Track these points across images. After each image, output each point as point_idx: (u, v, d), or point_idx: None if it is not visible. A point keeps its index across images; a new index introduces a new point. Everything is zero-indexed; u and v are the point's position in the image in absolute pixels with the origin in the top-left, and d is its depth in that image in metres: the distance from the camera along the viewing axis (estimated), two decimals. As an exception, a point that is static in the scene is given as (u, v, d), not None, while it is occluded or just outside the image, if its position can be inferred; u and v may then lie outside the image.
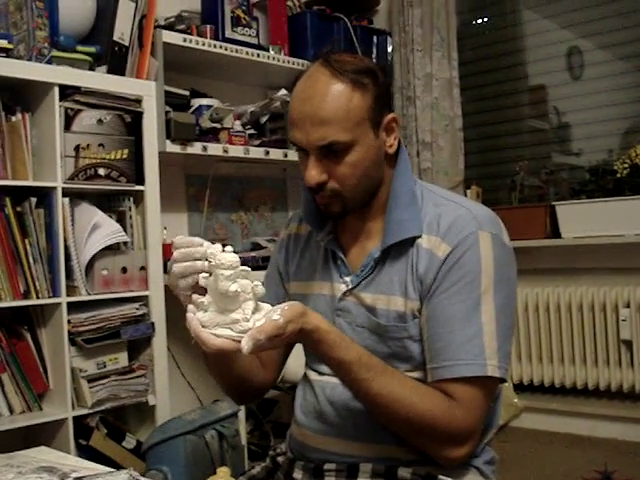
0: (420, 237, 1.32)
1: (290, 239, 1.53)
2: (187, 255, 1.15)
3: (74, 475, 1.31)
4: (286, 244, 1.53)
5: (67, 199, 2.62)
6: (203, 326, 1.09)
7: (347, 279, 1.39)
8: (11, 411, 2.60)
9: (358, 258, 1.39)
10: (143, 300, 2.81)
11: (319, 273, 1.43)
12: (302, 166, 1.33)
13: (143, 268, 2.81)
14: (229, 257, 1.08)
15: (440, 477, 1.31)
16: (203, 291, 1.14)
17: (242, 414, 2.76)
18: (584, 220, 3.59)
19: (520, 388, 3.93)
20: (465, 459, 1.30)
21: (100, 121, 2.69)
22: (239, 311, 1.08)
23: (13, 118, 2.59)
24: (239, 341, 1.07)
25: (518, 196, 3.87)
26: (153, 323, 2.79)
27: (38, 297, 2.57)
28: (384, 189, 1.37)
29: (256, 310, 1.10)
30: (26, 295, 2.56)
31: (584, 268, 3.75)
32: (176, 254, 1.17)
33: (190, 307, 1.13)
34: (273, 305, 1.14)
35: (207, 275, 1.11)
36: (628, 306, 3.54)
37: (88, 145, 2.65)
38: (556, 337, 3.76)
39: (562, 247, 3.72)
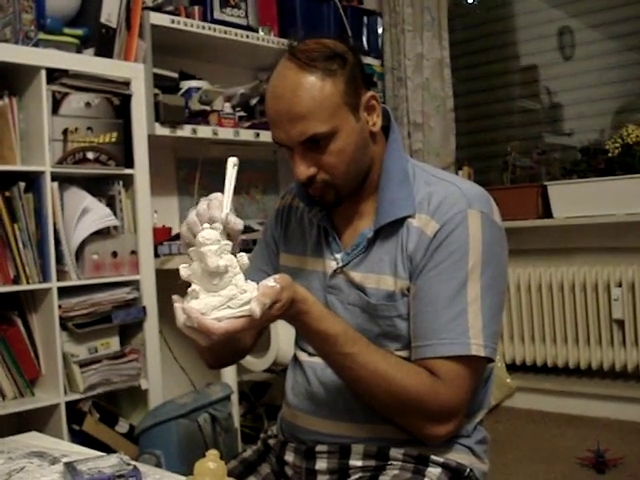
0: (411, 216, 1.31)
1: (284, 211, 1.52)
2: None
3: (65, 460, 1.30)
4: (281, 214, 1.53)
5: (56, 183, 2.60)
6: (201, 314, 1.07)
7: (338, 257, 1.38)
8: (3, 397, 2.60)
9: (350, 237, 1.39)
10: (134, 284, 2.80)
11: (311, 249, 1.43)
12: (290, 162, 1.33)
13: (134, 252, 2.80)
14: (211, 233, 1.07)
15: (432, 457, 1.31)
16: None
17: (235, 397, 2.76)
18: (576, 200, 3.59)
19: (513, 368, 3.95)
20: (448, 436, 1.30)
21: (88, 104, 2.66)
22: (231, 287, 1.07)
23: (0, 102, 2.57)
24: (242, 317, 1.06)
25: (510, 177, 3.87)
26: (144, 307, 2.78)
27: (28, 282, 2.56)
28: (375, 168, 1.37)
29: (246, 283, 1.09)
30: (16, 280, 2.55)
31: (576, 248, 3.76)
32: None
33: (176, 302, 1.11)
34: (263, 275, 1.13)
35: (186, 265, 1.10)
36: (620, 285, 3.55)
37: (76, 129, 2.63)
38: (548, 317, 3.76)
39: (554, 227, 3.72)
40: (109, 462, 1.23)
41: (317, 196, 1.35)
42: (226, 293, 1.07)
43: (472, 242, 1.27)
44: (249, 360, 2.98)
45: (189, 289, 1.08)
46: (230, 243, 1.09)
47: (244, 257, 1.09)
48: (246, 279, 1.10)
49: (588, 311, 3.65)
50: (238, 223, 1.13)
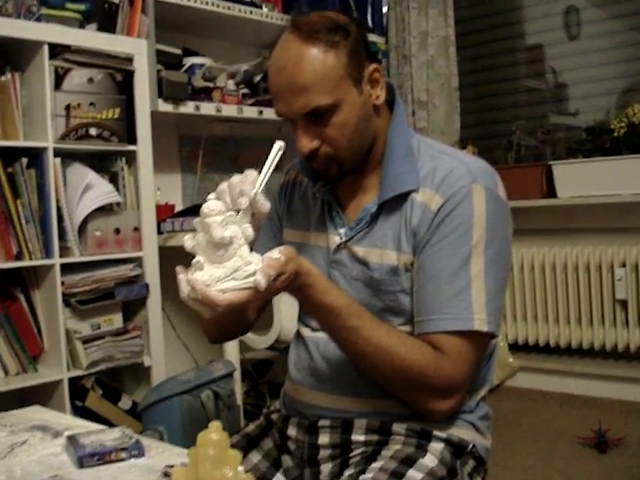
0: (415, 191, 1.30)
1: (288, 186, 1.51)
2: None
3: (67, 433, 1.31)
4: (285, 189, 1.52)
5: (59, 159, 2.59)
6: (205, 285, 1.07)
7: (341, 231, 1.37)
8: (6, 372, 2.61)
9: (354, 212, 1.38)
10: (137, 261, 2.80)
11: (315, 224, 1.42)
12: (293, 136, 1.32)
13: (137, 229, 2.79)
14: (216, 204, 1.06)
15: (434, 432, 1.31)
16: None
17: (237, 374, 2.76)
18: (580, 180, 3.57)
19: (515, 348, 3.95)
20: (451, 412, 1.30)
21: (91, 80, 2.65)
22: (236, 259, 1.06)
23: (2, 78, 2.55)
24: (246, 289, 1.06)
25: (514, 156, 3.85)
26: (147, 284, 2.78)
27: (31, 258, 2.56)
28: (379, 142, 1.35)
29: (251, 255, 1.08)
30: (19, 256, 2.55)
31: (580, 228, 3.75)
32: None
33: (180, 274, 1.10)
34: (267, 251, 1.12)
35: (191, 236, 1.09)
36: (624, 266, 3.54)
37: (79, 104, 2.61)
38: (551, 297, 3.76)
39: (558, 207, 3.71)
40: (112, 435, 1.24)
41: (320, 170, 1.34)
42: (231, 265, 1.06)
43: (476, 217, 1.26)
44: (252, 338, 2.99)
45: (193, 260, 1.08)
46: (234, 214, 1.08)
47: (249, 228, 1.09)
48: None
49: (591, 291, 3.64)
50: (265, 204, 1.13)
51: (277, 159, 1.18)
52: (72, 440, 1.23)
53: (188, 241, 1.09)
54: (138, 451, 1.19)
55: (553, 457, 2.93)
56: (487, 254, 1.26)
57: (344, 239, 1.37)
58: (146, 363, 2.79)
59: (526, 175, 3.70)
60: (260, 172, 1.15)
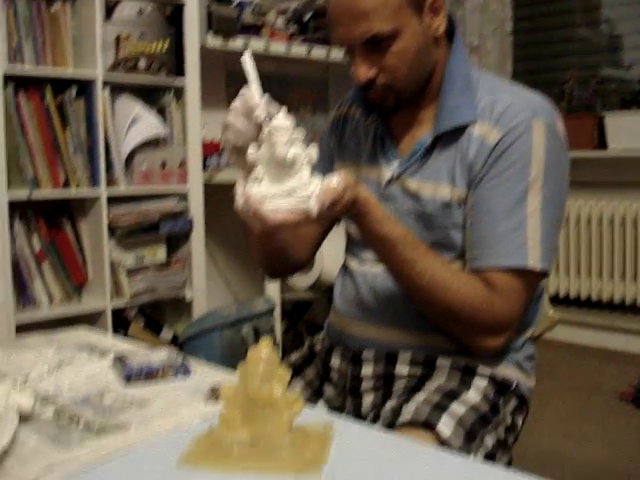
0: (472, 124, 1.27)
1: (339, 120, 1.49)
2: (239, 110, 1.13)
3: (114, 352, 1.32)
4: (336, 125, 1.50)
5: (107, 90, 2.60)
6: (260, 200, 1.06)
7: (394, 165, 1.35)
8: (51, 300, 2.65)
9: (407, 145, 1.35)
10: (182, 196, 2.81)
11: (366, 158, 1.40)
12: (351, 65, 1.29)
13: (182, 164, 2.80)
14: (284, 121, 1.04)
15: (479, 369, 1.30)
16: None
17: (278, 312, 2.78)
18: (633, 132, 3.48)
19: (556, 301, 3.91)
20: (499, 349, 1.29)
21: (140, 12, 2.63)
22: (296, 179, 1.05)
23: (53, 8, 2.55)
24: (300, 212, 1.05)
25: (566, 106, 3.76)
26: (191, 219, 2.79)
27: (78, 188, 2.58)
28: (437, 74, 1.32)
29: (311, 178, 1.07)
30: (66, 186, 2.57)
31: (630, 182, 3.67)
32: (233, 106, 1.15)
33: (239, 184, 1.10)
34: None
35: (255, 149, 1.08)
36: (672, 221, 3.47)
37: (128, 36, 2.60)
38: (596, 251, 3.71)
39: (609, 159, 3.63)
40: (159, 356, 1.25)
41: (376, 100, 1.32)
42: (289, 185, 1.05)
43: (535, 153, 1.23)
44: (292, 278, 2.99)
45: (252, 173, 1.07)
46: (300, 134, 1.06)
47: (313, 151, 1.07)
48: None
49: (637, 246, 3.58)
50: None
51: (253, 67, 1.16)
52: (119, 358, 1.24)
53: (251, 152, 1.08)
54: (184, 370, 1.20)
55: (590, 410, 2.92)
56: (544, 191, 1.23)
57: (396, 173, 1.35)
58: (188, 297, 2.82)
59: (577, 126, 3.61)
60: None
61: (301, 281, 2.97)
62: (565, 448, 2.52)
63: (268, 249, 1.43)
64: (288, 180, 1.05)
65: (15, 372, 1.23)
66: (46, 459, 0.88)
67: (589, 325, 3.77)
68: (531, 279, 1.25)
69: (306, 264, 1.55)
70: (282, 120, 1.05)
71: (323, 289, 3.01)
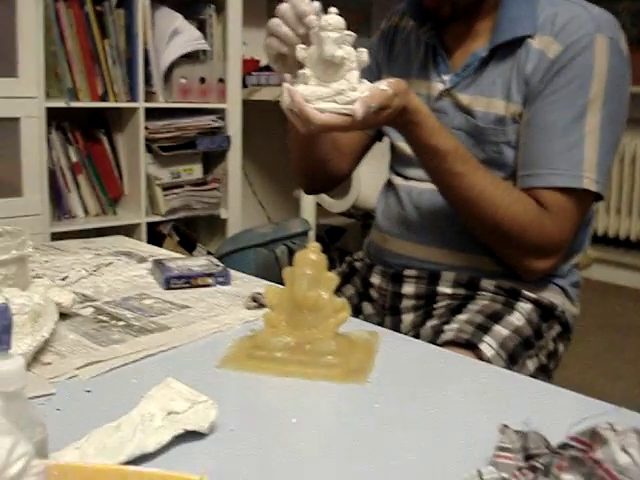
0: (532, 37, 1.20)
1: (390, 31, 1.43)
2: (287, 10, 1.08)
3: (152, 258, 1.31)
4: (385, 35, 1.44)
5: (148, 0, 2.53)
6: (305, 100, 1.02)
7: (446, 78, 1.30)
8: (86, 213, 2.65)
9: (461, 58, 1.29)
10: (220, 113, 2.77)
11: (416, 70, 1.35)
12: None
13: (222, 80, 2.75)
14: (336, 18, 0.99)
15: (524, 292, 1.26)
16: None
17: (312, 234, 2.76)
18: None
19: (593, 239, 3.84)
20: (545, 272, 1.25)
21: None
22: (343, 82, 1.01)
23: None
24: (344, 114, 1.01)
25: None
26: (229, 137, 2.75)
27: (116, 100, 2.55)
28: None
29: (359, 82, 1.03)
30: (104, 98, 2.54)
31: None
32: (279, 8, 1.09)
33: (286, 77, 1.06)
34: None
35: (305, 47, 1.03)
36: None
37: (171, -56, 2.53)
38: (638, 190, 3.61)
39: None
40: (198, 262, 1.23)
41: (432, 8, 1.25)
42: (336, 86, 1.00)
43: (597, 69, 1.17)
44: (328, 201, 2.96)
45: (300, 71, 1.02)
46: (352, 34, 1.01)
47: (364, 53, 1.02)
48: None
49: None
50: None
51: None
52: (159, 263, 1.23)
53: (300, 51, 1.03)
54: (224, 278, 1.18)
55: (622, 349, 2.89)
56: (604, 110, 1.17)
57: (448, 86, 1.29)
58: (222, 215, 2.81)
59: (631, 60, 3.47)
60: None
61: (337, 205, 2.93)
62: (598, 385, 2.51)
63: (309, 158, 1.39)
64: (335, 82, 1.00)
65: (53, 274, 1.22)
66: (86, 354, 0.87)
67: (625, 265, 3.71)
68: (585, 201, 1.20)
69: (344, 178, 1.51)
70: (336, 17, 1.00)
71: (359, 214, 2.98)
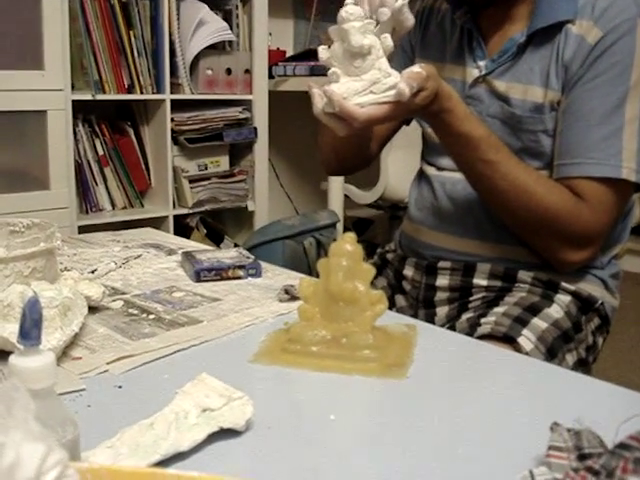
0: (571, 22, 1.16)
1: (424, 13, 1.39)
2: None
3: (182, 251, 1.29)
4: (420, 18, 1.40)
5: (173, -9, 2.51)
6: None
7: (481, 64, 1.26)
8: (113, 206, 2.64)
9: (497, 43, 1.26)
10: (246, 104, 2.74)
11: (451, 55, 1.31)
12: None
13: (248, 71, 2.73)
14: (355, 8, 0.96)
15: (562, 284, 1.23)
16: None
17: (340, 226, 2.73)
18: None
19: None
20: (582, 264, 1.21)
21: None
22: (374, 71, 0.97)
23: None
24: (385, 103, 0.98)
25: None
26: (256, 128, 2.73)
27: (142, 92, 2.54)
28: None
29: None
30: (130, 90, 2.52)
31: None
32: None
33: (311, 84, 1.02)
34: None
35: (326, 47, 1.00)
36: None
37: None
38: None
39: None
40: (229, 254, 1.21)
41: None
42: (369, 77, 0.97)
43: (638, 56, 1.12)
44: (356, 192, 2.93)
45: (329, 71, 0.99)
46: (373, 21, 0.98)
47: (388, 38, 0.99)
48: None
49: None
50: (410, 18, 1.03)
51: None
52: (188, 255, 1.20)
53: (323, 52, 1.00)
54: (255, 270, 1.16)
55: (656, 340, 2.84)
56: None
57: (483, 72, 1.25)
58: (250, 208, 2.79)
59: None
60: None
61: (365, 196, 2.90)
62: (632, 378, 2.45)
63: (345, 149, 1.36)
64: (366, 73, 0.97)
65: (81, 267, 1.20)
66: (117, 348, 0.85)
67: (658, 256, 3.65)
68: (623, 191, 1.16)
69: (373, 159, 1.47)
70: (354, 7, 0.96)
71: (387, 206, 2.94)
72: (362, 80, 0.98)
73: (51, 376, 0.50)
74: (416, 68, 1.00)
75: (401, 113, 1.02)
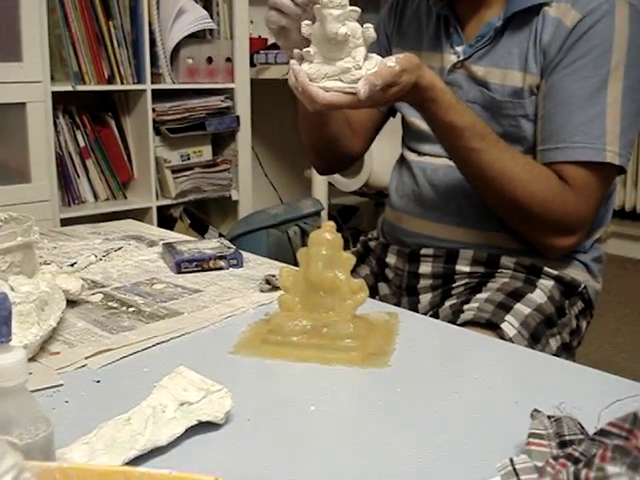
0: (548, 4, 1.16)
1: (400, 2, 1.38)
2: None
3: (163, 242, 1.28)
4: (395, 7, 1.39)
5: (152, -20, 2.49)
6: (310, 79, 0.98)
7: (459, 50, 1.25)
8: (96, 198, 2.63)
9: (474, 28, 1.25)
10: (228, 92, 2.73)
11: (428, 43, 1.30)
12: None
13: (229, 59, 2.71)
14: None
15: (545, 269, 1.22)
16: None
17: (325, 214, 2.72)
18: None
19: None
20: (569, 250, 1.21)
21: None
22: (348, 59, 0.97)
23: None
24: (350, 93, 0.97)
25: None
26: (238, 117, 2.71)
27: (122, 83, 2.51)
28: None
29: (366, 59, 0.98)
30: (110, 80, 2.50)
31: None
32: None
33: (293, 60, 1.02)
34: None
35: (309, 23, 0.99)
36: None
37: None
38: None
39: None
40: (210, 245, 1.20)
41: None
42: (341, 64, 0.97)
43: (617, 37, 1.12)
44: (340, 180, 2.92)
45: (304, 49, 0.99)
46: (357, 10, 0.97)
47: (370, 29, 0.98)
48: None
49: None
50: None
51: None
52: (169, 247, 1.19)
53: (305, 27, 0.99)
54: (237, 261, 1.15)
55: (641, 322, 2.85)
56: (627, 80, 1.12)
57: (461, 58, 1.24)
58: (234, 197, 2.77)
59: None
60: None
61: (349, 184, 2.89)
62: (618, 360, 2.47)
63: (320, 137, 1.35)
64: (342, 60, 0.97)
65: (61, 261, 1.19)
66: (95, 342, 0.84)
67: (642, 239, 3.66)
68: (607, 174, 1.16)
69: (358, 157, 1.47)
70: None
71: (372, 193, 2.94)
72: (334, 66, 0.97)
73: (22, 373, 0.49)
74: (390, 62, 0.99)
75: (365, 106, 1.02)
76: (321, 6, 0.95)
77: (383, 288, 1.36)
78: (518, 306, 1.14)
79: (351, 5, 0.96)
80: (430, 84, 1.06)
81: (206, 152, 2.72)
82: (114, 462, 0.55)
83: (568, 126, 1.13)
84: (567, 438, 0.56)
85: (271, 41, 3.03)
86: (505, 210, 1.18)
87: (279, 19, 1.08)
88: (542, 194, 1.13)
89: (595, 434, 0.52)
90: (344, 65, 0.97)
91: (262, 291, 1.02)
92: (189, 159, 2.67)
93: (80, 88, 2.41)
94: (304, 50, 0.99)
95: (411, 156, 1.34)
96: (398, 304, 1.31)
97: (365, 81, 0.97)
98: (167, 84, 2.58)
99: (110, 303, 0.99)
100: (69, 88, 2.38)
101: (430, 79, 1.06)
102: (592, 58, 1.12)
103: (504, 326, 1.08)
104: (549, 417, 0.58)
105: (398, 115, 1.42)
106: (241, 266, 1.15)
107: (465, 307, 1.15)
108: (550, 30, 1.15)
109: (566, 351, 1.21)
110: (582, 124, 1.12)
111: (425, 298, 1.29)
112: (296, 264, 0.86)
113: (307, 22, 0.99)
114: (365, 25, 0.98)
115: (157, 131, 2.58)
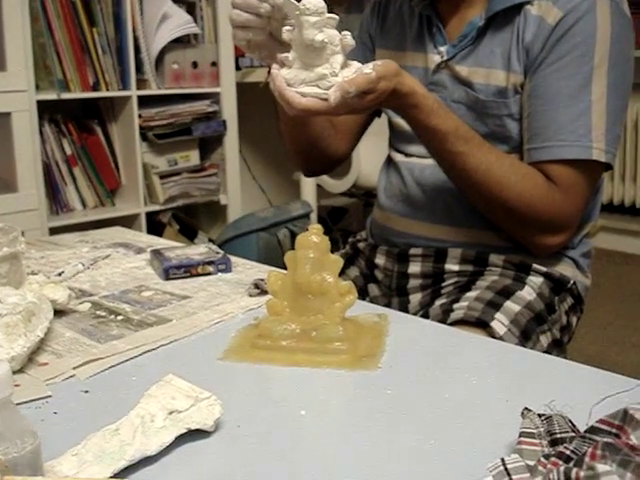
0: (530, 3, 1.16)
1: (382, 3, 1.38)
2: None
3: (151, 249, 1.27)
4: (377, 7, 1.39)
5: (135, -15, 2.48)
6: (287, 84, 0.99)
7: (442, 50, 1.25)
8: (84, 205, 2.62)
9: (457, 28, 1.25)
10: (214, 97, 2.72)
11: (411, 43, 1.30)
12: None
13: (214, 64, 2.70)
14: (314, 2, 0.95)
15: (534, 266, 1.22)
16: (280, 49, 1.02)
17: (314, 216, 2.72)
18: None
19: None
20: (559, 248, 1.22)
21: None
22: (326, 66, 0.97)
23: None
24: (326, 99, 0.97)
25: None
26: (225, 121, 2.71)
27: (108, 90, 2.50)
28: None
29: (345, 66, 0.99)
30: (95, 87, 2.50)
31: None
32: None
33: (275, 65, 1.02)
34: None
35: (290, 28, 0.99)
36: None
37: None
38: (642, 156, 3.57)
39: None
40: (198, 250, 1.20)
41: None
42: (319, 71, 0.97)
43: (600, 34, 1.12)
44: (328, 181, 2.92)
45: (284, 55, 0.99)
46: (336, 17, 0.97)
47: (348, 36, 0.98)
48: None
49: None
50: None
51: None
52: (157, 253, 1.19)
53: (286, 33, 0.99)
54: (225, 265, 1.14)
55: (633, 316, 2.86)
56: (610, 76, 1.12)
57: (445, 58, 1.24)
58: (222, 201, 2.77)
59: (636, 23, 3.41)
60: None
61: (337, 185, 2.89)
62: (610, 354, 2.47)
63: (302, 140, 1.34)
64: (320, 66, 0.97)
65: (49, 270, 1.18)
66: (83, 352, 0.84)
67: (632, 232, 3.67)
68: (594, 172, 1.16)
69: (344, 158, 1.46)
70: (315, 0, 0.95)
71: (361, 194, 2.94)
72: (313, 72, 0.98)
73: (7, 387, 0.49)
74: (367, 69, 0.99)
75: (341, 112, 1.02)
76: (299, 13, 0.95)
77: (373, 289, 1.36)
78: (508, 304, 1.14)
79: (336, 7, 0.96)
80: (410, 90, 1.05)
81: (193, 157, 2.72)
82: (104, 473, 0.55)
83: (553, 125, 1.13)
84: (558, 436, 0.55)
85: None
86: (493, 211, 1.18)
87: (245, 34, 1.07)
88: (529, 194, 1.13)
89: (585, 431, 0.52)
90: (321, 71, 0.97)
91: (251, 295, 1.02)
92: (176, 164, 2.66)
93: (65, 96, 2.40)
94: (284, 55, 0.99)
95: (398, 157, 1.33)
96: (388, 305, 1.31)
97: (337, 88, 0.97)
98: (153, 90, 2.57)
99: (98, 312, 0.98)
100: (54, 96, 2.38)
101: (410, 85, 1.05)
102: (575, 56, 1.12)
103: (494, 324, 1.08)
104: (540, 415, 0.58)
105: (384, 116, 1.42)
106: (230, 271, 1.15)
107: (455, 306, 1.15)
108: (532, 29, 1.15)
109: (557, 347, 1.21)
110: (567, 122, 1.12)
111: (415, 298, 1.29)
112: (286, 267, 0.86)
113: (288, 28, 0.99)
114: (343, 32, 0.98)
115: (144, 137, 2.57)
